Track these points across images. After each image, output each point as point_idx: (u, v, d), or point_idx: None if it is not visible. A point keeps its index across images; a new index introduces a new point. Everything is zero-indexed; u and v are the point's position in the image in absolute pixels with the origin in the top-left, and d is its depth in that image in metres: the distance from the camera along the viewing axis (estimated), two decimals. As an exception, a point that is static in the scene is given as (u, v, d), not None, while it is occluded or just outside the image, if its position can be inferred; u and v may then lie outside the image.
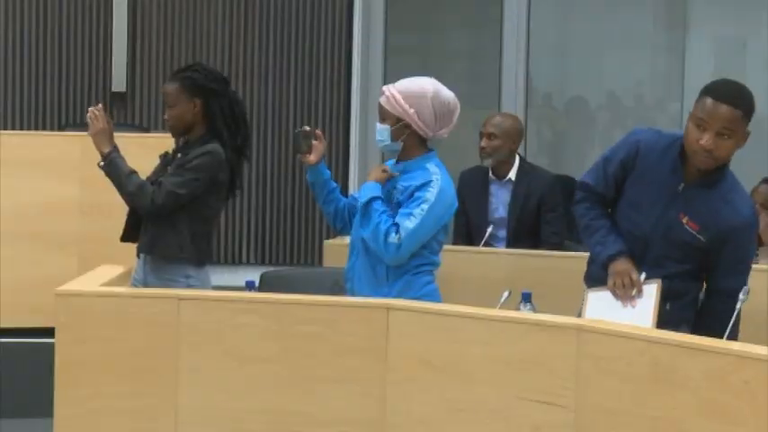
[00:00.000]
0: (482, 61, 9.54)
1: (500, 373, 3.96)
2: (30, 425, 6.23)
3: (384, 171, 4.69)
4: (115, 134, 5.06)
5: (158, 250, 4.95)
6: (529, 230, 6.53)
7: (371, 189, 4.64)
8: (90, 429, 4.30)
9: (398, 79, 4.73)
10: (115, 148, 4.99)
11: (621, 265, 4.39)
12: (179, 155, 5.04)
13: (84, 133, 5.15)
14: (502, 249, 6.45)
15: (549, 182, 6.62)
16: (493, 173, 6.59)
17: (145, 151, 5.35)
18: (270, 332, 4.25)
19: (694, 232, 4.32)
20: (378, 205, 4.58)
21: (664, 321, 4.27)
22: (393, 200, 4.63)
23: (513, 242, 6.51)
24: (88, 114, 4.96)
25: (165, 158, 5.11)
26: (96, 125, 4.95)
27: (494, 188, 6.59)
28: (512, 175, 6.54)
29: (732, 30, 9.62)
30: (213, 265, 5.97)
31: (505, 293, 4.75)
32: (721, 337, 4.13)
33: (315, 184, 4.87)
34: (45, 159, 6.87)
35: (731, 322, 4.31)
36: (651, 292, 4.34)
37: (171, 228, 4.93)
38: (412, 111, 4.59)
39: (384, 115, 4.65)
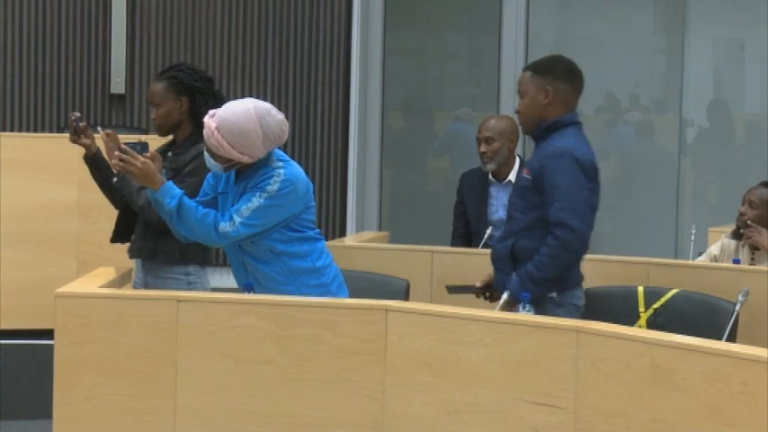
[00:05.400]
0: (481, 62, 9.53)
1: (499, 374, 3.95)
2: (30, 426, 6.23)
3: (147, 163, 4.61)
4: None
5: (161, 257, 4.96)
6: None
7: (169, 191, 4.60)
8: (88, 430, 4.30)
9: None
10: None
11: None
12: (169, 154, 5.05)
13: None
14: (501, 251, 6.43)
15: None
16: (492, 175, 6.57)
17: (143, 153, 5.33)
18: (268, 334, 4.25)
19: (526, 175, 4.81)
20: (189, 201, 4.60)
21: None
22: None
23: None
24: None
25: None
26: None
27: (493, 190, 6.58)
28: (511, 176, 6.52)
29: (731, 31, 9.62)
30: (212, 266, 5.96)
31: (504, 295, 4.75)
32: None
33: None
34: (44, 161, 6.87)
35: (729, 325, 4.29)
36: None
37: (171, 233, 4.92)
38: (246, 158, 4.57)
39: (214, 156, 4.59)
